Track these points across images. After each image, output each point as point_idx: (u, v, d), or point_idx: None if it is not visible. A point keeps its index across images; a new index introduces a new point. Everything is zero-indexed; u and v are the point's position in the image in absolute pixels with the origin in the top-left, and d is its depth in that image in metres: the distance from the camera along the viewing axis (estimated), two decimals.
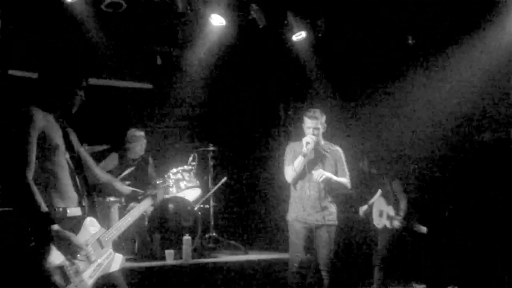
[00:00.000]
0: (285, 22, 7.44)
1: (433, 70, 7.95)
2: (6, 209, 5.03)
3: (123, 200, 6.39)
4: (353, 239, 7.89)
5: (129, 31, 7.21)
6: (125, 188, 3.96)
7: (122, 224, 3.55)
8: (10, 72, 6.98)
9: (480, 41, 7.24)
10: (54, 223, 2.99)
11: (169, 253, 6.09)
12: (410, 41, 7.90)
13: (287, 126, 8.87)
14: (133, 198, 3.96)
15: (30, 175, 3.03)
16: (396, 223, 6.80)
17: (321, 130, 5.48)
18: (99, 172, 3.67)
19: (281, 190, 8.67)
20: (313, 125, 5.39)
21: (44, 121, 3.16)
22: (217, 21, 7.07)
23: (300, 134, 5.54)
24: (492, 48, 7.20)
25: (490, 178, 7.20)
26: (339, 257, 7.08)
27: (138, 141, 6.97)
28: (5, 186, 3.06)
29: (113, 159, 6.91)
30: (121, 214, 6.25)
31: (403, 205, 6.87)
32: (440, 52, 7.78)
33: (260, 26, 7.19)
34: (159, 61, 7.95)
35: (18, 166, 3.01)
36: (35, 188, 3.00)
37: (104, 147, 6.55)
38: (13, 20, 6.36)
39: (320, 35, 7.69)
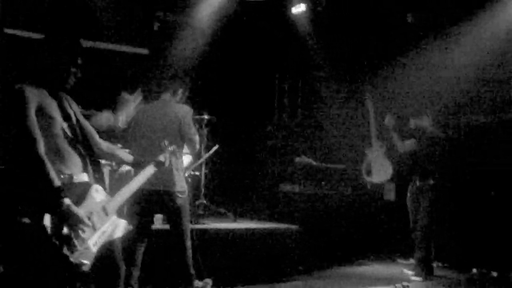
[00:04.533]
0: None
1: (434, 50, 7.93)
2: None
3: (113, 163, 6.40)
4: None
5: None
6: (128, 156, 3.96)
7: (127, 190, 3.54)
8: (6, 30, 6.95)
9: (483, 21, 7.22)
10: (66, 197, 3.01)
11: (158, 217, 6.14)
12: (409, 20, 7.88)
13: (282, 99, 8.91)
14: (136, 165, 3.94)
15: (41, 150, 3.05)
16: None
17: None
18: (101, 141, 3.66)
19: (275, 161, 8.84)
20: None
21: (37, 96, 3.16)
22: None
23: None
24: (495, 28, 7.19)
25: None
26: None
27: (127, 104, 6.94)
28: (20, 164, 3.09)
29: (108, 117, 6.88)
30: (112, 178, 6.28)
31: None
32: (441, 32, 7.77)
33: None
34: (156, 27, 7.91)
35: (28, 143, 3.04)
36: (48, 164, 3.03)
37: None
38: None
39: (320, 8, 7.67)
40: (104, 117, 6.73)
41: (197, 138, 5.21)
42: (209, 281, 5.52)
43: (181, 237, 5.14)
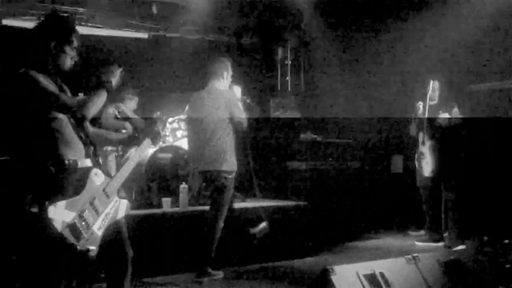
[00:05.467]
0: None
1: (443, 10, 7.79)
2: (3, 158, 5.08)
3: (120, 149, 6.42)
4: None
5: None
6: (119, 135, 3.96)
7: (125, 170, 3.54)
8: (4, 22, 6.94)
9: None
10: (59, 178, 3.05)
11: (166, 200, 6.16)
12: None
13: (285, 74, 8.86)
14: (131, 142, 3.93)
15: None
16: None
17: None
18: (91, 128, 3.65)
19: (280, 138, 8.80)
20: None
21: (38, 82, 3.16)
22: None
23: None
24: None
25: None
26: None
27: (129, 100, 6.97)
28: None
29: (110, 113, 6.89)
30: (119, 163, 6.31)
31: None
32: None
33: None
34: (154, 10, 7.86)
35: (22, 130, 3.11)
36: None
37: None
38: None
39: None
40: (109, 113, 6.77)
41: (243, 118, 5.48)
42: (221, 273, 5.54)
43: (215, 217, 5.42)
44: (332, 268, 3.49)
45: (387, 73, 8.49)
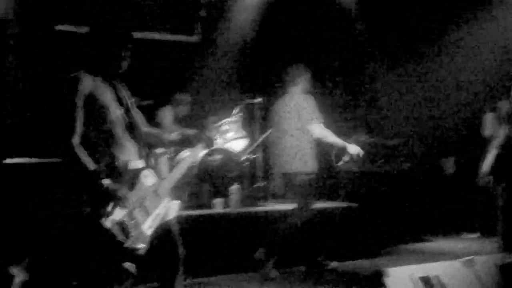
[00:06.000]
0: None
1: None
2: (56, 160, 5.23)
3: (171, 150, 6.51)
4: None
5: None
6: (173, 135, 3.98)
7: (177, 171, 3.56)
8: (57, 27, 7.10)
9: None
10: (104, 178, 3.07)
11: (217, 202, 6.21)
12: None
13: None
14: (185, 143, 3.95)
15: (76, 140, 3.12)
16: None
17: None
18: (147, 129, 3.69)
19: None
20: None
21: (91, 85, 3.21)
22: None
23: None
24: None
25: None
26: None
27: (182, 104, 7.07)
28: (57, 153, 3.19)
29: (167, 114, 7.01)
30: (170, 165, 6.38)
31: None
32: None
33: None
34: (203, 13, 7.93)
35: (65, 132, 3.13)
36: (80, 150, 3.10)
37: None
38: None
39: None
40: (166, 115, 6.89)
41: (310, 125, 5.62)
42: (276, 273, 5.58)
43: (290, 215, 5.65)
44: (386, 270, 3.45)
45: (441, 72, 8.33)
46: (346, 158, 5.91)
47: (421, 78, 8.62)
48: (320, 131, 5.65)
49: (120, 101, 3.36)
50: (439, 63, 8.41)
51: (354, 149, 5.69)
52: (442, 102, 8.37)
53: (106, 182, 3.07)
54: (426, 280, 3.52)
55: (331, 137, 5.69)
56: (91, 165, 3.08)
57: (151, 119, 6.91)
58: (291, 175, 5.71)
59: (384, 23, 8.39)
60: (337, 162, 6.38)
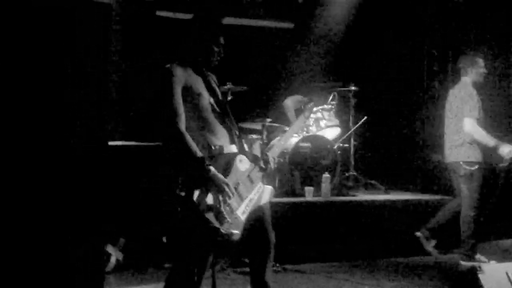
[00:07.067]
0: None
1: None
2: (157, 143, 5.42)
3: (264, 137, 6.58)
4: None
5: None
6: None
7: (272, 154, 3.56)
8: (158, 13, 7.29)
9: None
10: (209, 166, 3.15)
11: (309, 189, 6.21)
12: None
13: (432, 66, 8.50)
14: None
15: (182, 125, 3.22)
16: None
17: None
18: None
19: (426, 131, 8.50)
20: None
21: (184, 75, 3.32)
22: None
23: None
24: None
25: None
26: None
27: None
28: (163, 139, 3.27)
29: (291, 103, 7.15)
30: (262, 150, 6.44)
31: None
32: None
33: None
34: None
35: (170, 119, 3.22)
36: (188, 137, 3.19)
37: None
38: None
39: None
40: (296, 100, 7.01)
41: (466, 120, 5.53)
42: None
43: (464, 205, 5.67)
44: (480, 266, 3.38)
45: None
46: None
47: None
48: (473, 126, 5.52)
49: (211, 89, 3.45)
50: None
51: (507, 150, 5.49)
52: None
53: (212, 168, 3.14)
54: None
55: (483, 135, 5.54)
56: (198, 153, 3.17)
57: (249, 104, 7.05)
58: (453, 164, 5.72)
59: None
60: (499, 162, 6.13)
